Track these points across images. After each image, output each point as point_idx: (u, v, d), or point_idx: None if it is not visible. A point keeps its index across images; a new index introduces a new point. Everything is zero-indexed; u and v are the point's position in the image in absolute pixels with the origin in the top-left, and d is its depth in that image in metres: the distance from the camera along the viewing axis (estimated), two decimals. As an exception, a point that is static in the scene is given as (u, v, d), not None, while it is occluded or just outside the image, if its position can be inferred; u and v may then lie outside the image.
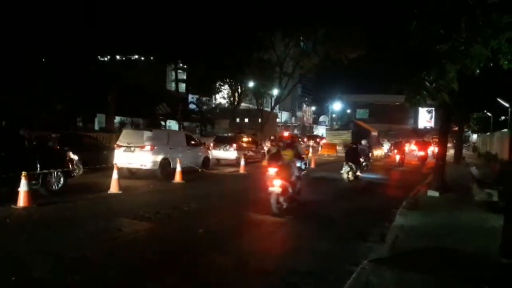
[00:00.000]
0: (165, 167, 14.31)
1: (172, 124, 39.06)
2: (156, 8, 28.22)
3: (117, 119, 34.12)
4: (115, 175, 10.96)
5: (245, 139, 22.55)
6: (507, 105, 20.18)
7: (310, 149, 26.07)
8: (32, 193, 8.69)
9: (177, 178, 13.51)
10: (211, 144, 21.02)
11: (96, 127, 34.50)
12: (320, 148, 35.63)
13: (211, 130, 40.62)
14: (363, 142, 18.08)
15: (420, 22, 6.41)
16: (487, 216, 8.75)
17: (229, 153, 20.41)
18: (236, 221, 8.13)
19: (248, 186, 13.12)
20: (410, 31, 6.60)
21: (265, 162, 10.02)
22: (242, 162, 17.62)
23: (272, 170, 9.20)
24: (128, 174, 14.27)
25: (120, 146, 14.40)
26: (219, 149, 20.64)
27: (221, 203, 10.33)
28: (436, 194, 11.79)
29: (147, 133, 14.72)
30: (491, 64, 6.50)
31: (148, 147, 14.05)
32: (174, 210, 8.82)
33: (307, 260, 5.79)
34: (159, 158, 14.20)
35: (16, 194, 8.45)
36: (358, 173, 15.04)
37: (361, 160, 16.05)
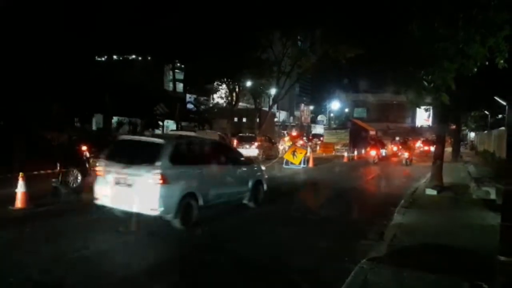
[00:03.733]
0: None
1: (170, 124, 38.93)
2: (153, 8, 28.13)
3: (115, 119, 34.00)
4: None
5: (261, 138, 26.08)
6: (504, 103, 20.21)
7: (309, 148, 26.05)
8: (29, 194, 8.61)
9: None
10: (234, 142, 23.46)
11: (94, 127, 34.37)
12: (318, 148, 35.62)
13: (209, 130, 40.48)
14: (397, 138, 29.15)
15: (419, 21, 6.40)
16: (484, 214, 8.78)
17: (251, 151, 22.64)
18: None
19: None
20: (409, 30, 6.59)
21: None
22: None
23: (373, 153, 23.96)
24: None
25: None
26: (242, 147, 22.63)
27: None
28: (434, 192, 11.82)
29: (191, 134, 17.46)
30: (487, 63, 6.51)
31: None
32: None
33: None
34: None
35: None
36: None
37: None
